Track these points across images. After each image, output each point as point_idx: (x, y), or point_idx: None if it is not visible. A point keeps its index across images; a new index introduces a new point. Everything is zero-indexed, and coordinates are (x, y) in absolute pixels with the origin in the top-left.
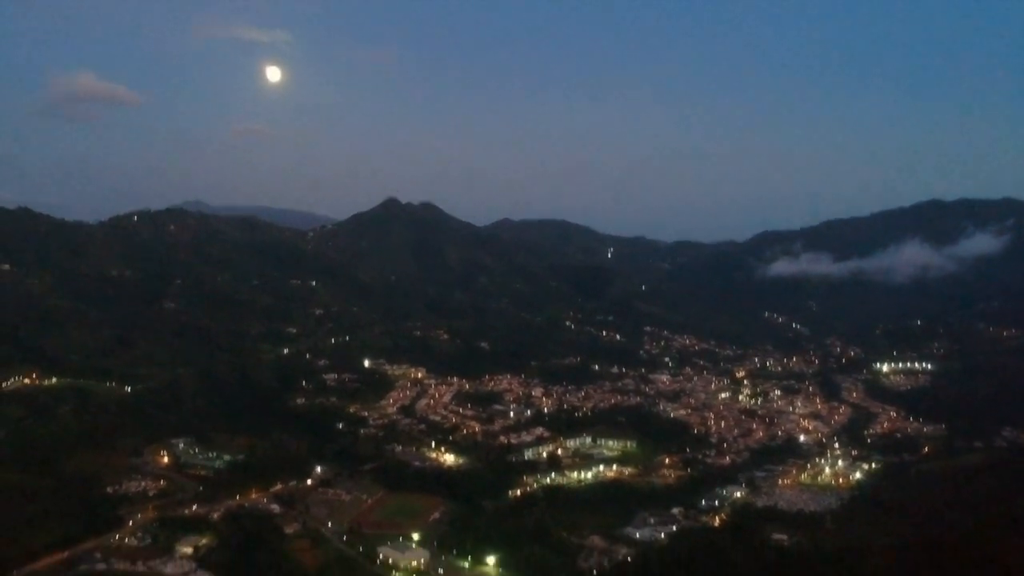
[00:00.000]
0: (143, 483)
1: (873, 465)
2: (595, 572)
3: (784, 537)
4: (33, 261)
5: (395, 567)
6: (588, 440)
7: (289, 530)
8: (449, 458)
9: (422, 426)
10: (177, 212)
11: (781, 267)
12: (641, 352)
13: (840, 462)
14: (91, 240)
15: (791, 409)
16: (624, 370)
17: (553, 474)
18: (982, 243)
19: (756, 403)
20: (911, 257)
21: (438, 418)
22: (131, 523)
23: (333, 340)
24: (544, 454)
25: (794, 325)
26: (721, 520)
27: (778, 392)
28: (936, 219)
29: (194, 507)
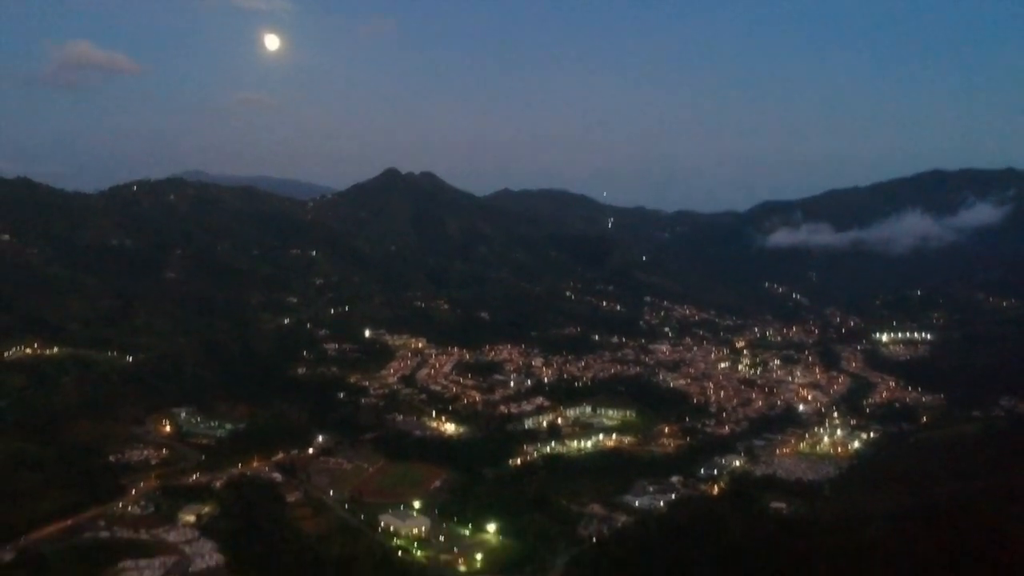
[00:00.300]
0: (145, 452)
1: (872, 434)
2: (595, 540)
3: (783, 505)
4: (33, 231)
5: (396, 535)
6: (588, 409)
7: (291, 498)
8: (450, 427)
9: (423, 396)
10: (177, 182)
11: (781, 237)
12: (641, 322)
13: (839, 431)
14: (91, 210)
15: (790, 379)
16: (624, 340)
17: (553, 443)
18: (983, 213)
19: (755, 373)
20: (912, 227)
21: (439, 388)
22: (134, 491)
23: (333, 310)
24: (544, 423)
25: (794, 295)
26: (720, 489)
27: (777, 362)
28: (937, 189)
29: (196, 476)
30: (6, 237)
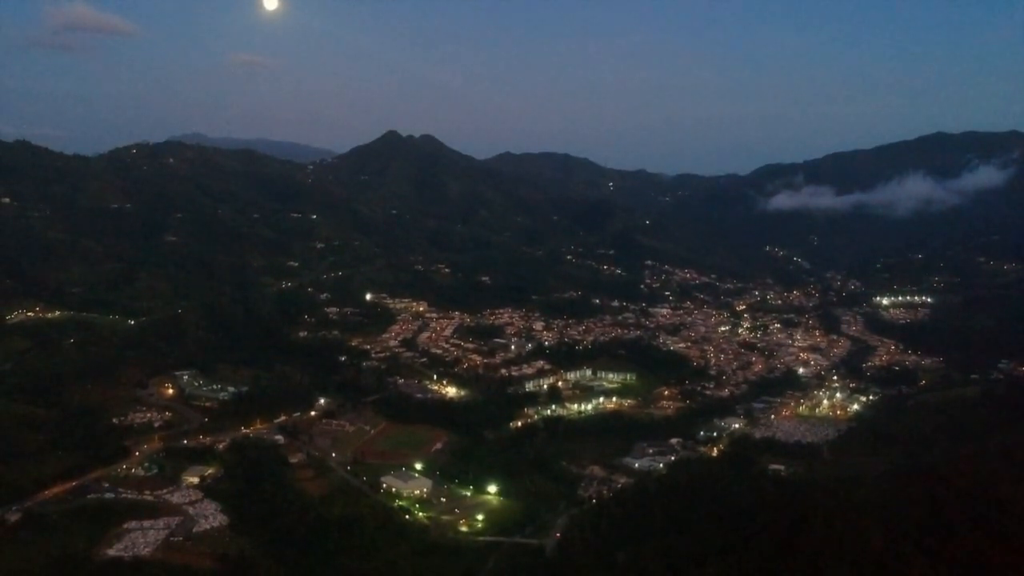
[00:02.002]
0: (148, 415)
1: (871, 397)
2: (594, 501)
3: (781, 467)
4: (33, 194)
5: (398, 496)
6: (588, 372)
7: (293, 460)
8: (451, 390)
9: (424, 359)
10: (176, 145)
11: (783, 200)
12: (642, 286)
13: (838, 394)
14: (90, 173)
15: (790, 342)
16: (625, 304)
17: (553, 406)
18: (986, 176)
19: (756, 336)
20: (914, 190)
21: (440, 351)
22: (137, 454)
23: (334, 273)
24: (545, 386)
25: (795, 259)
26: (719, 451)
27: (778, 325)
28: (940, 152)
29: (199, 438)
30: (6, 200)
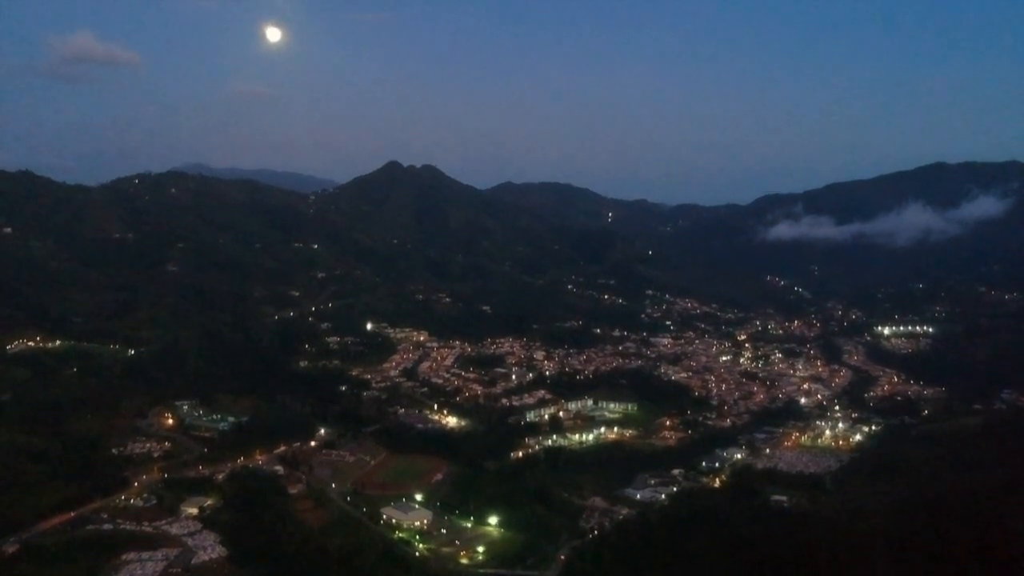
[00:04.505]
0: (148, 444)
1: (873, 427)
2: (596, 532)
3: (784, 498)
4: (35, 224)
5: (398, 527)
6: (589, 402)
7: (293, 491)
8: (451, 420)
9: (424, 389)
10: (178, 175)
11: (783, 230)
12: (643, 315)
13: (840, 424)
14: (92, 203)
15: (792, 372)
16: (626, 333)
17: (555, 436)
18: (985, 206)
19: (757, 366)
20: (914, 220)
21: (440, 381)
22: (136, 484)
23: (335, 303)
24: (546, 416)
25: (796, 288)
26: (721, 481)
27: (779, 355)
28: (939, 182)
29: (199, 468)
30: (8, 230)
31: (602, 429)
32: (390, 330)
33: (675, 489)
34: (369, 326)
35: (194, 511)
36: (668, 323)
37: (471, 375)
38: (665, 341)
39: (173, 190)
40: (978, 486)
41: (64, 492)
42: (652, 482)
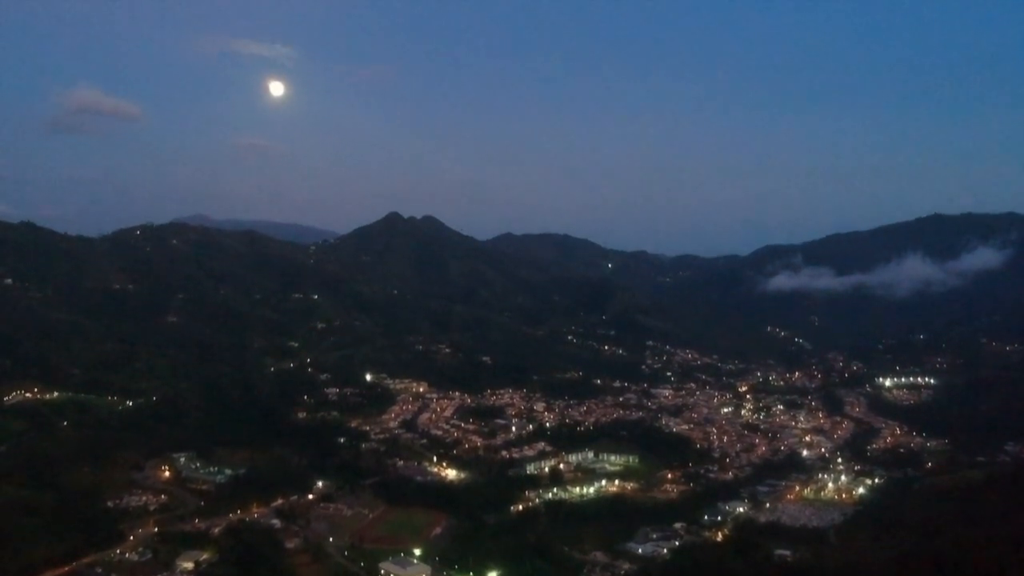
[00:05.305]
0: (144, 497)
1: (876, 480)
2: None
3: (787, 553)
4: (36, 275)
5: None
6: (590, 455)
7: (290, 545)
8: (451, 472)
9: (424, 440)
10: (179, 226)
11: (783, 281)
12: (643, 366)
13: (843, 477)
14: (94, 254)
15: (794, 424)
16: (626, 384)
17: (555, 489)
18: (985, 257)
19: (759, 418)
20: (913, 271)
21: (440, 432)
22: (132, 538)
23: (335, 354)
24: (546, 468)
25: (796, 339)
26: (724, 535)
27: (781, 406)
28: (938, 233)
29: (195, 522)
30: (9, 281)
31: (603, 482)
32: (389, 381)
33: (677, 543)
34: (368, 377)
35: (190, 565)
36: (669, 374)
37: (471, 426)
38: (666, 392)
39: (174, 241)
40: (983, 540)
41: (58, 546)
42: (654, 536)
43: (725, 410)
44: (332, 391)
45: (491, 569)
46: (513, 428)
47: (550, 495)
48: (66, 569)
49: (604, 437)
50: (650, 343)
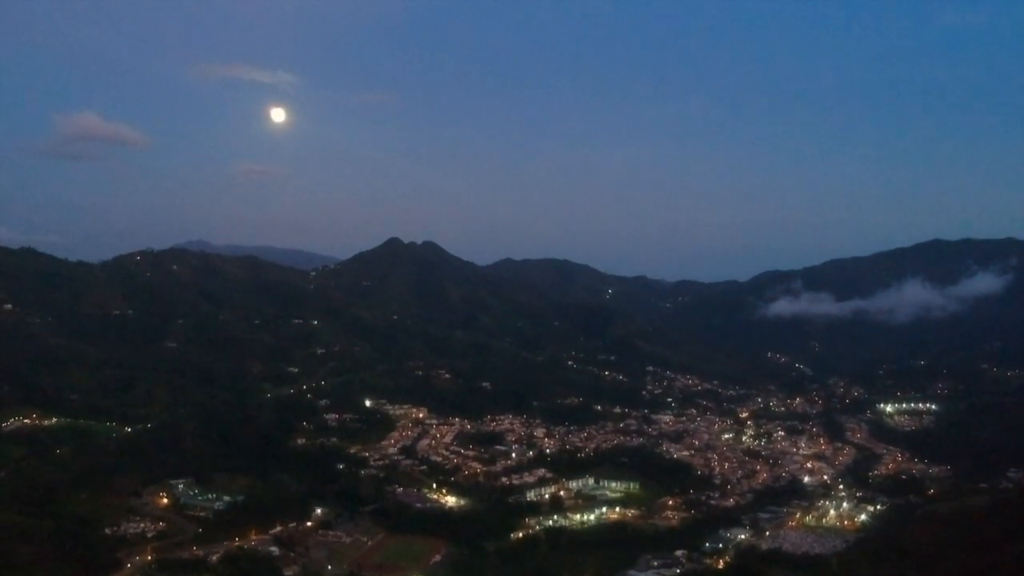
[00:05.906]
0: (142, 524)
1: (878, 507)
2: None
3: None
4: (35, 301)
5: None
6: (591, 481)
7: (288, 572)
8: (451, 499)
9: (423, 467)
10: (179, 252)
11: (783, 306)
12: (644, 392)
13: (845, 504)
14: (94, 280)
15: (795, 450)
16: (627, 410)
17: (555, 515)
18: (985, 283)
19: (760, 444)
20: (913, 297)
21: (439, 459)
22: (129, 565)
23: (334, 380)
24: (546, 495)
25: (797, 365)
26: (725, 563)
27: (782, 433)
28: (938, 259)
29: (193, 549)
30: (8, 306)
31: (603, 509)
32: (389, 407)
33: (678, 571)
34: (368, 403)
35: None
36: (669, 400)
37: (470, 453)
38: (667, 418)
39: (174, 267)
40: (986, 567)
41: (56, 573)
42: (655, 563)
43: (726, 436)
44: (331, 417)
45: None
46: (513, 454)
47: (550, 522)
48: None
49: (605, 463)
50: (650, 368)
